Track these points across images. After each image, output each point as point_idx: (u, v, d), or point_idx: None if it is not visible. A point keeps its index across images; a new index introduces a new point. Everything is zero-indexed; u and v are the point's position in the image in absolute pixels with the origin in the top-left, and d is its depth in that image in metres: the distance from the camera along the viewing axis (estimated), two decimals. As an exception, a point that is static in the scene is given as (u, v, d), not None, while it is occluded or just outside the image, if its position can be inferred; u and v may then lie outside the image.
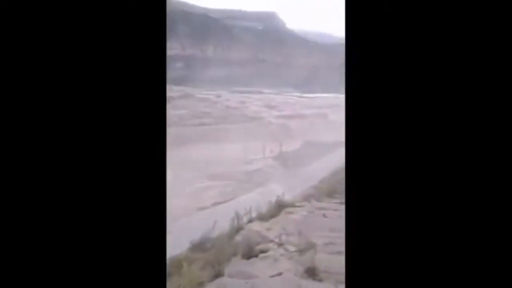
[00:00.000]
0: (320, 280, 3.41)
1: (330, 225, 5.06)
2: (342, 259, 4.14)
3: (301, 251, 4.14)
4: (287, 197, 6.88)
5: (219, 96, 29.88)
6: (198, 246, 4.88)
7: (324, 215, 5.69)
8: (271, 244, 4.43)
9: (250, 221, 5.64)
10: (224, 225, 5.25)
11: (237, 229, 5.10)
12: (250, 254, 4.16)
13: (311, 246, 4.21)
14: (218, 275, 3.60)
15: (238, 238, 4.74)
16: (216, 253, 4.22)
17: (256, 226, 5.23)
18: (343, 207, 6.25)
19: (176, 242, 4.13)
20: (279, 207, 6.24)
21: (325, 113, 26.80)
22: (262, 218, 5.75)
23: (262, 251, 4.23)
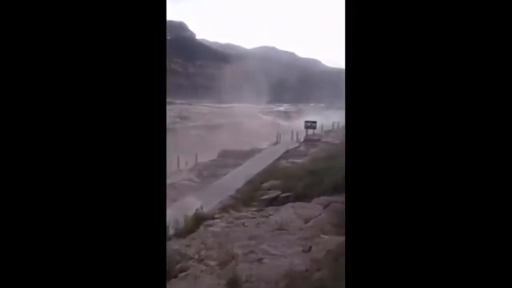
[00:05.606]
0: (242, 291, 3.38)
1: (249, 233, 5.10)
2: (263, 266, 4.19)
3: (222, 264, 4.07)
4: (205, 210, 6.74)
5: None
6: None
7: (243, 224, 5.72)
8: (190, 262, 4.25)
9: (168, 239, 5.34)
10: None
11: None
12: (168, 275, 3.92)
13: (231, 257, 4.17)
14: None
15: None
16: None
17: (174, 244, 4.98)
18: (260, 214, 6.39)
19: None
20: (198, 220, 6.07)
21: (240, 122, 27.37)
22: (180, 234, 5.51)
23: (182, 270, 4.03)
